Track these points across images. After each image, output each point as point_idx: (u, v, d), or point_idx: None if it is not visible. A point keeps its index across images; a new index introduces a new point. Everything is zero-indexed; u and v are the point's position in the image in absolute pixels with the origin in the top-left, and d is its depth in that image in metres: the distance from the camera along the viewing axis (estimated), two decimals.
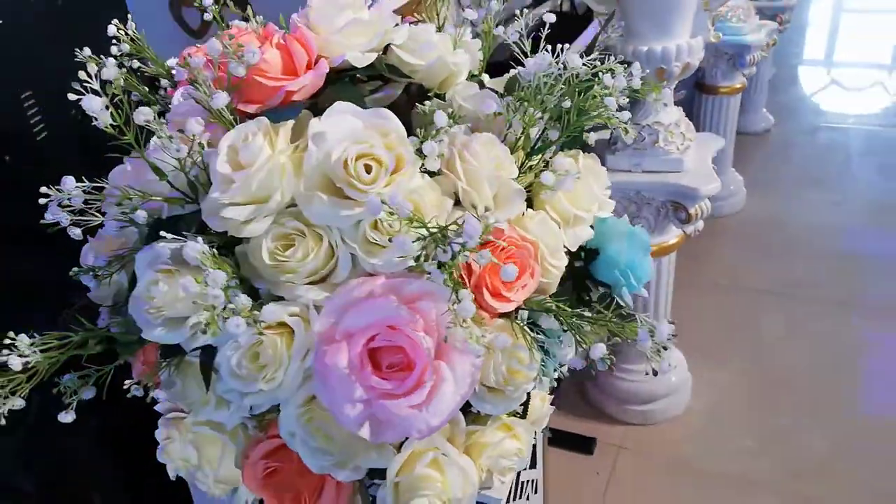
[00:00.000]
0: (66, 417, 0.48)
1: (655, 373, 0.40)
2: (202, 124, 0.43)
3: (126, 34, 0.64)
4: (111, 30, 0.64)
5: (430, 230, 0.39)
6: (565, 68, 0.47)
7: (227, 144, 0.44)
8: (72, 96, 0.44)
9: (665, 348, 0.41)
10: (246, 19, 0.58)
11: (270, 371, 0.44)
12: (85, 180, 0.47)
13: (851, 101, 3.14)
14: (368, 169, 0.43)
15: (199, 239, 0.42)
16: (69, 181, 0.44)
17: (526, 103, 0.49)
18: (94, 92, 0.43)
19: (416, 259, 0.43)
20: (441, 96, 0.58)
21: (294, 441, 0.47)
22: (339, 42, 0.49)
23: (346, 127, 0.44)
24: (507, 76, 0.63)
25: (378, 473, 0.48)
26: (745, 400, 1.52)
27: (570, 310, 0.46)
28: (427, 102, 0.55)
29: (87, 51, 0.57)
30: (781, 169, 2.51)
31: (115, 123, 0.43)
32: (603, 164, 0.58)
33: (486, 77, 0.64)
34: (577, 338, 0.44)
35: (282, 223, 0.45)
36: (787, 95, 3.18)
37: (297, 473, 0.48)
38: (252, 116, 0.46)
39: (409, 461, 0.47)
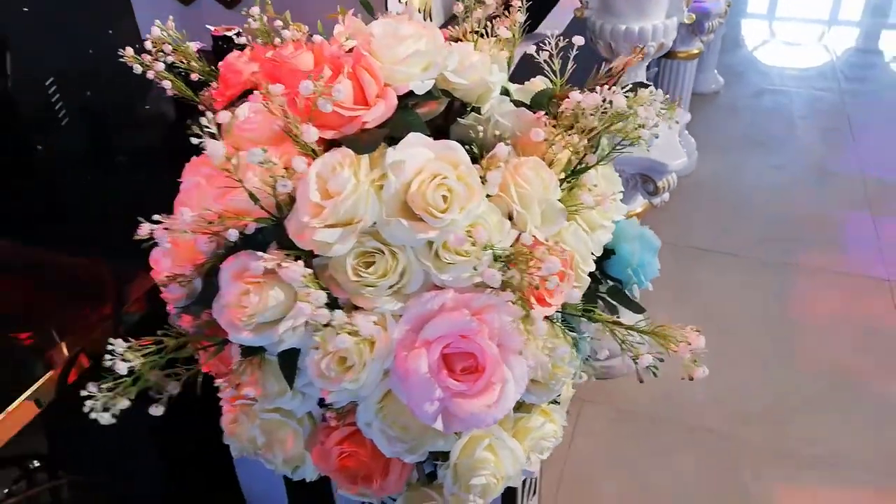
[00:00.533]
0: (157, 411, 0.53)
1: (641, 381, 0.46)
2: (305, 162, 0.47)
3: (167, 34, 0.67)
4: (154, 31, 0.66)
5: (520, 268, 0.45)
6: (611, 104, 0.53)
7: (315, 172, 0.49)
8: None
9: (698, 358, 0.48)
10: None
11: (355, 373, 0.50)
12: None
13: (795, 59, 3.29)
14: (445, 198, 0.48)
15: (300, 262, 0.47)
16: (186, 213, 0.48)
17: (570, 132, 0.56)
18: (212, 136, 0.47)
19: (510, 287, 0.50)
20: (477, 109, 0.63)
21: (370, 430, 0.53)
22: (403, 72, 0.54)
23: (419, 157, 0.50)
24: (528, 85, 0.69)
25: (439, 455, 0.56)
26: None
27: (605, 315, 0.54)
28: (464, 118, 0.61)
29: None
30: (730, 131, 2.64)
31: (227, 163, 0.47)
32: None
33: (511, 86, 0.69)
34: (622, 345, 0.51)
35: (362, 242, 0.50)
36: (735, 56, 3.30)
37: (370, 457, 0.55)
38: (330, 142, 0.51)
39: (468, 445, 0.55)
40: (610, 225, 0.62)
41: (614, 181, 0.66)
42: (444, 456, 0.56)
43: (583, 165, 0.57)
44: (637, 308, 0.64)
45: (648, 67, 1.47)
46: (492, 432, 0.55)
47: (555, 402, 0.60)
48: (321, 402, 0.57)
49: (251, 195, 0.48)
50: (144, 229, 0.49)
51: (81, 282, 0.69)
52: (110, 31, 0.89)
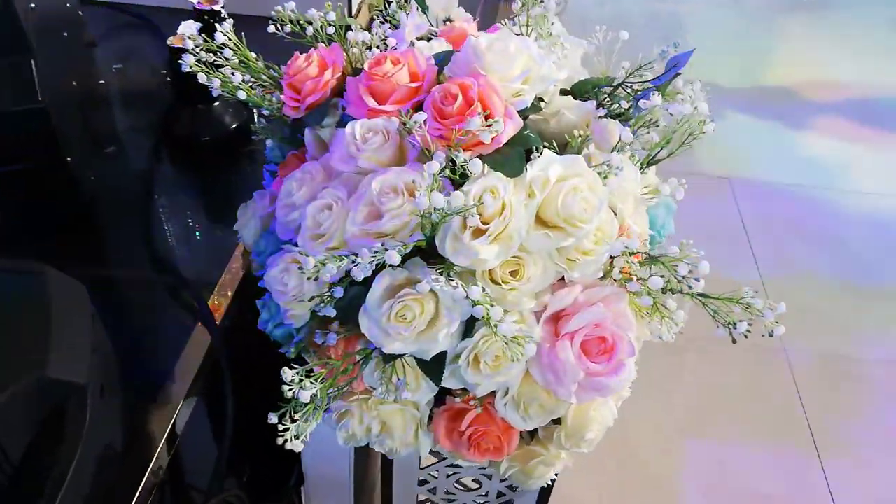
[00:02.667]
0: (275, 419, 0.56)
1: (735, 341, 0.56)
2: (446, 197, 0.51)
3: (230, 39, 0.65)
4: (219, 38, 0.64)
5: (673, 275, 0.54)
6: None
7: (473, 195, 0.53)
8: None
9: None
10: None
11: (505, 366, 0.57)
12: None
13: None
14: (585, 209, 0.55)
15: (463, 284, 0.52)
16: (329, 270, 0.50)
17: (645, 129, 0.63)
18: None
19: (606, 274, 0.58)
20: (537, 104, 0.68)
21: (506, 410, 0.61)
22: (517, 89, 0.58)
23: (554, 172, 0.55)
24: (567, 78, 0.75)
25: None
26: None
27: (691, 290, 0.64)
28: (535, 116, 0.66)
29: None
30: None
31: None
32: None
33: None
34: (714, 315, 0.62)
35: None
36: None
37: (502, 431, 0.63)
38: None
39: (581, 408, 0.64)
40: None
41: None
42: (559, 419, 0.65)
43: (655, 159, 0.65)
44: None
45: None
46: None
47: None
48: (446, 390, 0.63)
49: (423, 217, 0.51)
50: (310, 263, 0.51)
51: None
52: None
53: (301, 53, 0.67)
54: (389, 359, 0.59)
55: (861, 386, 1.92)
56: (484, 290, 0.52)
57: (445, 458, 0.80)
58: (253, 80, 0.69)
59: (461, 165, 0.53)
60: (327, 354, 0.60)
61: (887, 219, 2.47)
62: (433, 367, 0.59)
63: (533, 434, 0.69)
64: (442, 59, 0.62)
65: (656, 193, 0.66)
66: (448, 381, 0.60)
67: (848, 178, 2.58)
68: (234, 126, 0.85)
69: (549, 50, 0.69)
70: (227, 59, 0.66)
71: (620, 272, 0.59)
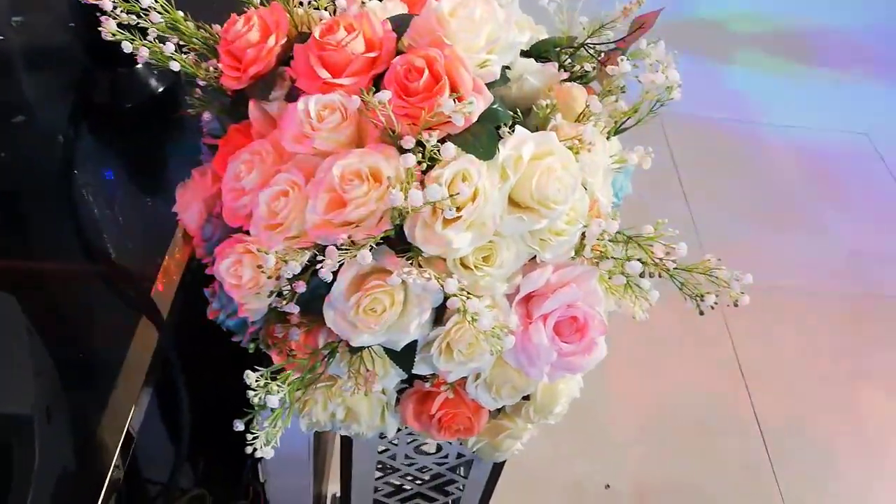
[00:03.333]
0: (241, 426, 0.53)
1: (702, 313, 0.57)
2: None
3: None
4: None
5: (650, 256, 0.52)
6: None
7: (445, 180, 0.49)
8: None
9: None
10: None
11: (478, 353, 0.55)
12: None
13: None
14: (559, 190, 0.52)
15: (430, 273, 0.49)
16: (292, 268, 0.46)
17: (612, 96, 0.61)
18: None
19: (577, 252, 0.57)
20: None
21: (477, 391, 0.60)
22: (485, 59, 0.54)
23: (528, 152, 0.52)
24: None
25: None
26: None
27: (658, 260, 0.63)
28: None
29: None
30: None
31: None
32: None
33: None
34: (682, 287, 0.62)
35: None
36: None
37: (472, 411, 0.62)
38: None
39: (550, 384, 0.64)
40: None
41: None
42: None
43: (622, 127, 0.63)
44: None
45: None
46: None
47: None
48: (416, 375, 0.61)
49: (393, 209, 0.48)
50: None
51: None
52: None
53: (238, 15, 0.60)
54: (356, 350, 0.56)
55: (783, 315, 2.03)
56: (459, 280, 0.50)
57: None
58: (183, 44, 0.62)
59: (431, 150, 0.49)
60: (288, 346, 0.57)
61: (811, 150, 2.57)
62: (403, 356, 0.56)
63: (500, 408, 0.69)
64: (400, 25, 0.57)
65: (623, 162, 0.64)
66: (419, 368, 0.58)
67: (773, 112, 2.65)
68: (161, 90, 0.77)
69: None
70: (152, 22, 0.58)
71: (592, 250, 0.57)
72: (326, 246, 0.50)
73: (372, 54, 0.55)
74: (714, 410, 1.80)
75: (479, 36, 0.55)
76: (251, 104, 0.59)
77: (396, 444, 0.84)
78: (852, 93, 2.86)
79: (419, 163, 0.50)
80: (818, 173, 2.49)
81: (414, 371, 0.58)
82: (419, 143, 0.50)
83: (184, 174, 0.64)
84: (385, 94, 0.49)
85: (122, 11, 0.58)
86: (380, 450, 0.85)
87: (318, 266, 0.48)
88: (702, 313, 0.60)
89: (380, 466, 0.90)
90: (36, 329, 0.47)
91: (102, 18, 0.57)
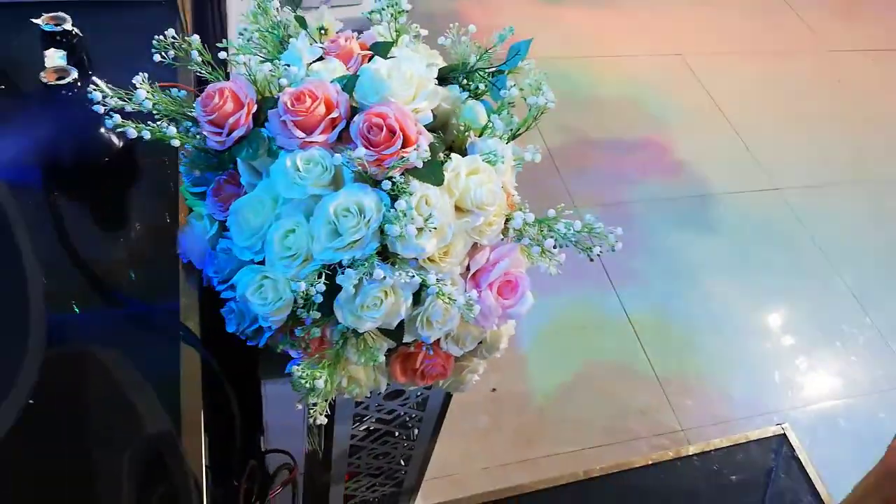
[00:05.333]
0: (300, 407, 0.72)
1: (592, 260, 0.80)
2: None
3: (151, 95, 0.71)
4: (141, 94, 0.70)
5: (557, 233, 0.75)
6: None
7: (414, 204, 0.68)
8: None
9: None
10: None
11: (449, 320, 0.76)
12: None
13: None
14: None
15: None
16: (319, 288, 0.64)
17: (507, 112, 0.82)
18: None
19: (504, 233, 0.78)
20: None
21: (448, 344, 0.81)
22: (419, 107, 0.73)
23: (463, 172, 0.72)
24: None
25: None
26: None
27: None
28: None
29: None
30: None
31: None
32: None
33: None
34: (576, 245, 0.85)
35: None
36: None
37: (445, 360, 0.83)
38: None
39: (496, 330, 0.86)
40: None
41: None
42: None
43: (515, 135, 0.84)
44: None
45: None
46: None
47: None
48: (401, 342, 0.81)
49: (381, 233, 0.67)
50: None
51: None
52: None
53: (210, 89, 0.74)
54: (360, 334, 0.75)
55: (631, 223, 2.39)
56: (433, 274, 0.70)
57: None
58: (163, 116, 0.75)
59: (399, 186, 0.68)
60: (306, 342, 0.75)
61: (635, 76, 2.93)
62: (395, 332, 0.76)
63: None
64: (346, 85, 0.74)
65: (520, 159, 0.85)
66: (406, 338, 0.78)
67: (602, 46, 2.98)
68: (122, 145, 0.88)
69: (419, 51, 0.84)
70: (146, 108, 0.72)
71: (514, 231, 0.79)
72: (331, 264, 0.68)
73: (334, 115, 0.72)
74: (591, 316, 2.14)
75: (411, 88, 0.73)
76: (239, 161, 0.74)
77: (370, 397, 1.05)
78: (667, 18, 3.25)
79: (390, 194, 0.69)
80: (643, 95, 2.86)
81: (403, 341, 0.78)
82: (389, 179, 0.69)
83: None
84: (361, 152, 0.67)
85: (112, 98, 0.70)
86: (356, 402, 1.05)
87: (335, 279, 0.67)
88: (591, 260, 0.84)
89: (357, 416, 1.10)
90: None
91: (104, 111, 0.69)
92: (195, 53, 0.76)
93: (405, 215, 0.67)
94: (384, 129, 0.69)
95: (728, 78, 3.02)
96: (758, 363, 2.12)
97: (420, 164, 0.69)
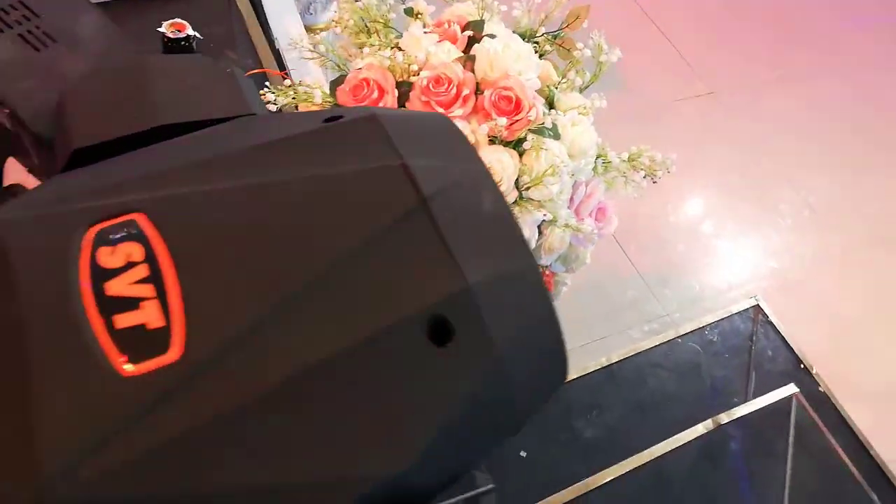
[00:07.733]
0: None
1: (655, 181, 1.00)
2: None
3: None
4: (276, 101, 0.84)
5: (643, 168, 0.95)
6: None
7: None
8: None
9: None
10: None
11: (563, 245, 0.96)
12: None
13: None
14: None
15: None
16: None
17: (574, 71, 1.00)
18: None
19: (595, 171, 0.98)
20: None
21: (555, 266, 1.01)
22: (527, 80, 0.90)
23: (567, 124, 0.91)
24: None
25: None
26: None
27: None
28: None
29: None
30: None
31: None
32: None
33: None
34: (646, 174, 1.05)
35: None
36: None
37: (548, 278, 1.04)
38: None
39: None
40: None
41: None
42: None
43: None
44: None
45: None
46: None
47: None
48: None
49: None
50: None
51: None
52: None
53: (353, 80, 0.89)
54: None
55: None
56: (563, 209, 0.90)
57: None
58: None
59: (535, 143, 0.86)
60: None
61: None
62: None
63: None
64: (466, 64, 0.90)
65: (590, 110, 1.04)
66: None
67: None
68: None
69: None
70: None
71: (602, 166, 0.99)
72: None
73: (465, 91, 0.88)
74: None
75: (519, 62, 0.90)
76: None
77: None
78: None
79: (520, 151, 0.87)
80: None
81: None
82: (519, 141, 0.87)
83: None
84: (503, 120, 0.84)
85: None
86: None
87: None
88: (655, 182, 1.05)
89: None
90: None
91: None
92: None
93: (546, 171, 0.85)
94: (511, 99, 0.87)
95: None
96: (721, 248, 2.44)
97: (549, 125, 0.87)
